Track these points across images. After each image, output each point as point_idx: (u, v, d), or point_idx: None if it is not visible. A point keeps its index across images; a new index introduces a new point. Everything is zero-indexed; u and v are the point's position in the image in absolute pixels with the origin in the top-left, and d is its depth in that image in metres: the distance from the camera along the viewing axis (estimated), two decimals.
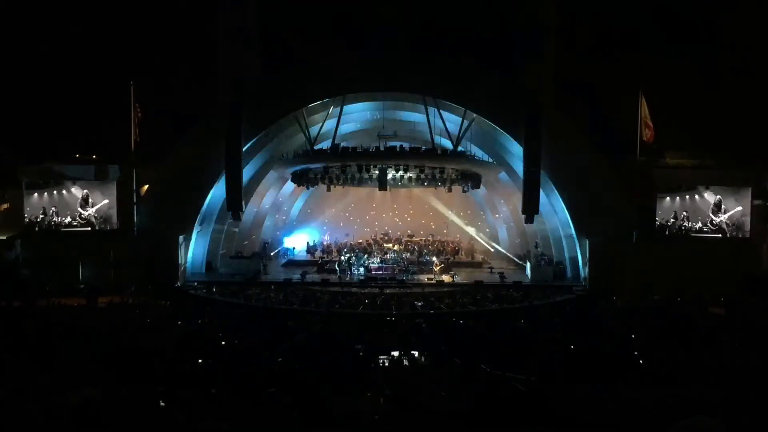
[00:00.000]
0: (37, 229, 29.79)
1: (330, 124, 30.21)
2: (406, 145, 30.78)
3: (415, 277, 30.07)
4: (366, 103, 31.64)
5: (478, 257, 35.55)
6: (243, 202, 29.61)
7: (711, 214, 29.66)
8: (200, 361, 13.11)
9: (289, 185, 34.70)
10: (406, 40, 30.83)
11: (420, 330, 19.23)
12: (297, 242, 37.02)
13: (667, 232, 29.84)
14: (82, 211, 30.09)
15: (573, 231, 29.07)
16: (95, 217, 30.14)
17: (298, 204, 39.05)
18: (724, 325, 18.13)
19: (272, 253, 35.66)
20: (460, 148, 29.81)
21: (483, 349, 15.40)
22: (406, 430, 7.53)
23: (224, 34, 29.88)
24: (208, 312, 22.84)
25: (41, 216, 29.86)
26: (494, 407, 8.15)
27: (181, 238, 29.13)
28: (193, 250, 30.50)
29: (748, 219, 29.39)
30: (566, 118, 29.47)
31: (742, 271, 27.35)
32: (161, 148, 30.87)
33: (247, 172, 30.25)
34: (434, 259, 32.22)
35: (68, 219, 30.01)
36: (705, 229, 29.72)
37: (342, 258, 31.83)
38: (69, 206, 30.03)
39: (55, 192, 30.08)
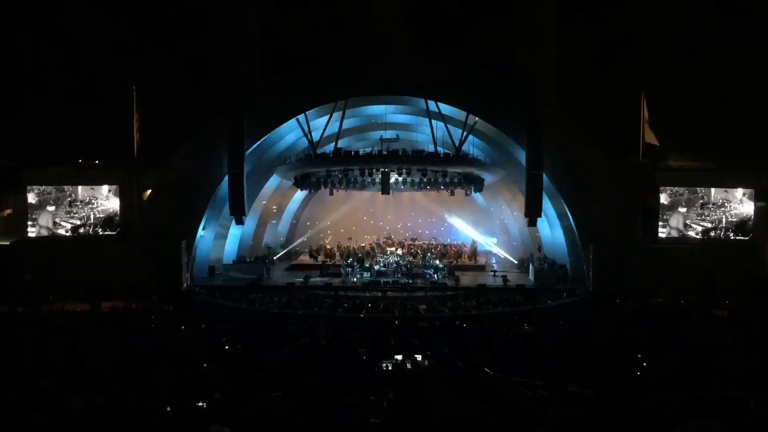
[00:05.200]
0: (40, 234, 29.89)
1: (332, 128, 30.23)
2: (409, 149, 30.82)
3: (418, 280, 30.06)
4: (368, 107, 31.68)
5: (481, 260, 35.53)
6: (245, 207, 29.62)
7: (713, 216, 29.67)
8: (204, 365, 13.12)
9: (292, 189, 34.75)
10: (407, 43, 30.85)
11: (423, 333, 19.22)
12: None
13: (670, 234, 29.80)
14: (85, 216, 30.18)
15: (576, 234, 29.05)
16: (98, 222, 30.22)
17: (301, 208, 39.09)
18: (727, 328, 18.10)
19: (275, 257, 35.64)
20: (462, 151, 29.84)
21: (486, 352, 15.39)
22: None
23: (224, 39, 29.93)
24: (211, 316, 22.85)
25: (44, 221, 29.97)
26: (498, 410, 8.14)
27: (184, 242, 29.16)
28: (197, 254, 30.50)
29: (751, 220, 29.39)
30: (568, 121, 29.48)
31: (746, 273, 27.30)
32: (164, 153, 30.96)
33: (250, 177, 30.26)
34: (437, 262, 32.19)
35: (71, 224, 30.10)
36: (709, 232, 29.70)
37: (345, 262, 31.83)
38: (72, 211, 30.12)
39: (58, 197, 30.19)
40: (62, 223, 30.16)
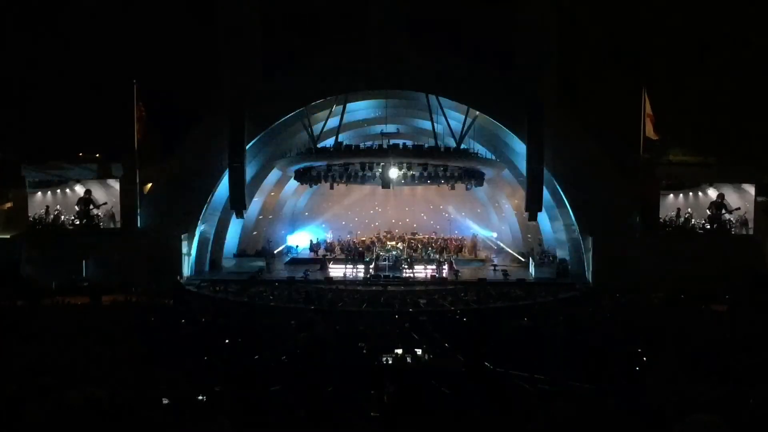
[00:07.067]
0: (40, 227, 29.90)
1: (333, 122, 30.21)
2: (409, 143, 30.79)
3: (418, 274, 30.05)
4: (369, 101, 31.66)
5: (482, 255, 35.52)
6: (246, 200, 29.62)
7: (714, 212, 29.70)
8: (204, 359, 13.15)
9: (293, 183, 34.72)
10: (408, 37, 30.78)
11: (423, 327, 19.24)
12: (300, 240, 36.95)
13: (670, 230, 29.81)
14: (86, 210, 30.20)
15: (576, 228, 29.06)
16: (99, 216, 30.23)
17: (302, 202, 39.07)
18: (727, 323, 18.13)
19: (275, 252, 35.62)
20: (463, 146, 29.82)
21: (486, 346, 15.40)
22: (410, 427, 7.54)
23: (226, 33, 29.91)
24: (211, 310, 22.87)
25: (45, 215, 29.99)
26: (498, 405, 8.15)
27: (184, 236, 29.20)
28: (197, 248, 30.51)
29: (751, 216, 29.40)
30: (569, 116, 29.45)
31: (746, 268, 27.29)
32: (164, 147, 30.94)
33: (250, 170, 30.25)
34: (437, 256, 32.20)
35: (72, 218, 30.12)
36: (708, 226, 29.73)
37: (345, 256, 31.85)
38: (72, 205, 30.15)
39: (58, 191, 30.22)
40: (62, 217, 30.16)
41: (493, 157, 30.76)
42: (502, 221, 36.55)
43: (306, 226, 37.78)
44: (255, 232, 35.28)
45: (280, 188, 35.80)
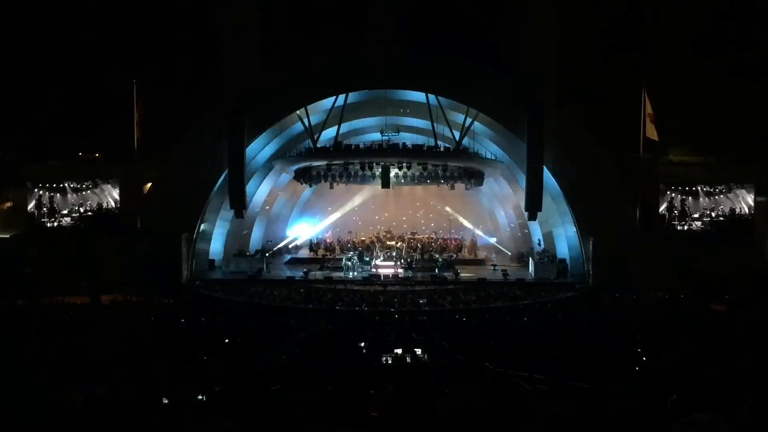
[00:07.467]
0: (40, 227, 29.89)
1: (333, 121, 30.19)
2: (409, 143, 30.77)
3: (418, 274, 30.05)
4: (369, 101, 31.62)
5: (481, 255, 35.51)
6: (246, 200, 29.61)
7: (713, 211, 29.73)
8: (204, 359, 13.13)
9: (292, 182, 34.70)
10: (408, 37, 30.79)
11: (423, 327, 19.24)
12: (301, 233, 36.69)
13: (670, 229, 29.82)
14: (86, 209, 30.19)
15: (576, 228, 29.05)
16: (99, 216, 30.22)
17: (301, 201, 39.03)
18: (726, 323, 18.11)
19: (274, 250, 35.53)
20: (463, 144, 29.84)
21: (486, 346, 15.40)
22: (410, 427, 7.53)
23: (225, 33, 29.93)
24: (211, 310, 22.86)
25: (44, 215, 29.98)
26: (498, 405, 8.14)
27: (184, 235, 29.19)
28: (197, 247, 30.50)
29: (751, 215, 29.44)
30: (569, 116, 29.44)
31: (746, 268, 27.31)
32: (165, 147, 30.93)
33: (250, 170, 30.25)
34: (437, 256, 32.21)
35: (71, 217, 30.11)
36: (709, 227, 29.73)
37: (345, 256, 31.82)
38: (72, 204, 30.13)
39: (58, 190, 30.20)
40: (62, 217, 30.15)
41: (495, 156, 30.78)
42: (502, 221, 36.50)
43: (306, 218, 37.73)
44: (257, 231, 35.21)
45: (281, 187, 35.80)
